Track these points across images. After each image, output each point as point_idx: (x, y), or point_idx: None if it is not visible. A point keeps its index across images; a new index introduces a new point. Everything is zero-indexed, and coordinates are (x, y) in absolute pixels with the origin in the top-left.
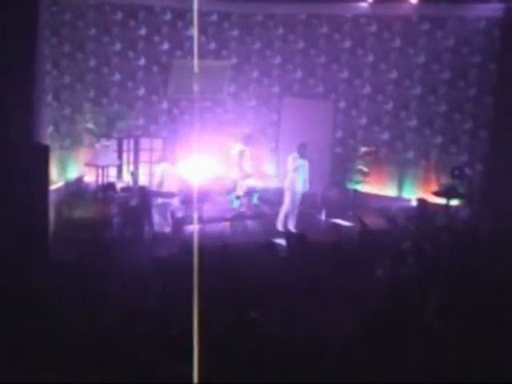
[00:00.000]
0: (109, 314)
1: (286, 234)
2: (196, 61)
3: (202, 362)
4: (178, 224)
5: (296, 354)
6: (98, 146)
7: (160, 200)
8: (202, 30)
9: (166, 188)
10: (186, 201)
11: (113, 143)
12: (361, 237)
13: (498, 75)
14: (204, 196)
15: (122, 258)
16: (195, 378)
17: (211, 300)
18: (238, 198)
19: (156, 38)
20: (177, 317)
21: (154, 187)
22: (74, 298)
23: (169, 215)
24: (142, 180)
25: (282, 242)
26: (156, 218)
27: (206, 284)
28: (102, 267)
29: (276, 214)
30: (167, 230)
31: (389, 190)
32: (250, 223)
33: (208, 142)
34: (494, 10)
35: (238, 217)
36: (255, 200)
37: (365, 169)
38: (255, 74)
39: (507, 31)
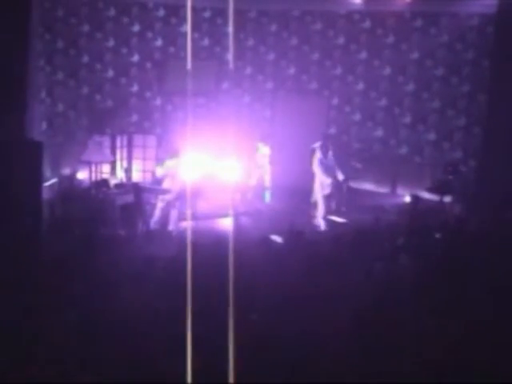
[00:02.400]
0: (102, 311)
1: (287, 231)
2: (189, 57)
3: (196, 361)
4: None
5: (292, 352)
6: (91, 142)
7: (166, 196)
8: (196, 27)
9: (168, 184)
10: (180, 197)
11: (106, 140)
12: (355, 233)
13: (492, 71)
14: (197, 192)
15: (116, 254)
16: (189, 378)
17: (206, 298)
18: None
19: (149, 35)
20: (171, 315)
21: (162, 180)
22: (66, 295)
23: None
24: (136, 176)
25: (277, 238)
26: (157, 214)
27: (201, 281)
28: (95, 264)
29: (269, 210)
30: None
31: (382, 186)
32: (247, 220)
33: (202, 138)
34: (487, 6)
35: (237, 214)
36: (267, 198)
37: (358, 165)
38: (249, 71)
39: (500, 27)
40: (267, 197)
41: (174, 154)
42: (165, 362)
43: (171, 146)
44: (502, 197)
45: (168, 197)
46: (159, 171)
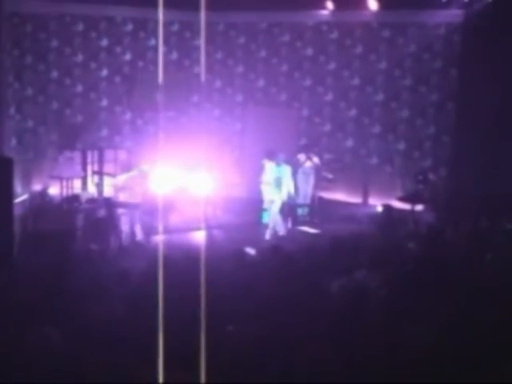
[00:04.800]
0: (75, 326)
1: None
2: (160, 71)
3: (168, 373)
4: None
5: (266, 364)
6: (61, 158)
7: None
8: (164, 40)
9: (127, 197)
10: (152, 211)
11: (77, 155)
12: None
13: (459, 80)
14: (169, 206)
15: (89, 269)
16: None
17: (178, 311)
18: None
19: (118, 49)
20: (143, 329)
21: (115, 193)
22: (40, 311)
23: None
24: (107, 191)
25: (251, 251)
26: (125, 227)
27: (172, 294)
28: (67, 279)
29: (241, 223)
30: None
31: (354, 197)
32: (218, 233)
33: (172, 151)
34: (454, 15)
35: (207, 227)
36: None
37: (329, 175)
38: (218, 84)
39: (467, 36)
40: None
41: (127, 168)
42: (138, 374)
43: (125, 160)
44: (474, 204)
45: (123, 211)
46: (116, 185)
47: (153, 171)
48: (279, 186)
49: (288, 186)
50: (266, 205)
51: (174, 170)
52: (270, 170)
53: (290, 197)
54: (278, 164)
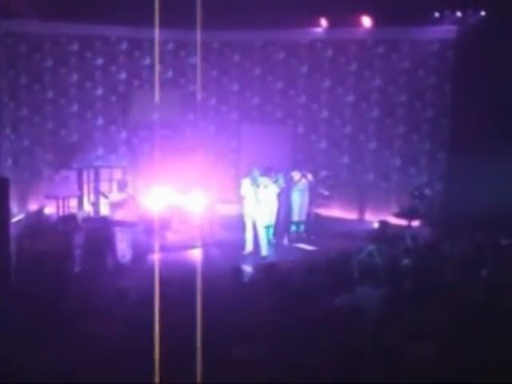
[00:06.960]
0: (72, 347)
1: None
2: (156, 89)
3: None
4: None
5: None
6: (57, 177)
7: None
8: (159, 59)
9: (123, 216)
10: (148, 230)
11: (73, 174)
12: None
13: (453, 95)
14: (165, 224)
15: (86, 289)
16: None
17: (175, 328)
18: None
19: (113, 68)
20: (141, 348)
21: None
22: (36, 331)
23: None
24: (104, 210)
25: (248, 268)
26: (121, 246)
27: (169, 313)
28: (64, 299)
29: (238, 241)
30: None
31: (350, 213)
32: (215, 251)
33: (168, 169)
34: (447, 31)
35: (204, 244)
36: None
37: (326, 192)
38: (213, 102)
39: (460, 52)
40: (270, 234)
41: (123, 186)
42: None
43: (121, 179)
44: (470, 219)
45: (119, 229)
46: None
47: (139, 194)
48: (258, 202)
49: (264, 201)
50: (245, 219)
51: (169, 188)
52: (244, 186)
53: (274, 214)
54: (253, 180)
